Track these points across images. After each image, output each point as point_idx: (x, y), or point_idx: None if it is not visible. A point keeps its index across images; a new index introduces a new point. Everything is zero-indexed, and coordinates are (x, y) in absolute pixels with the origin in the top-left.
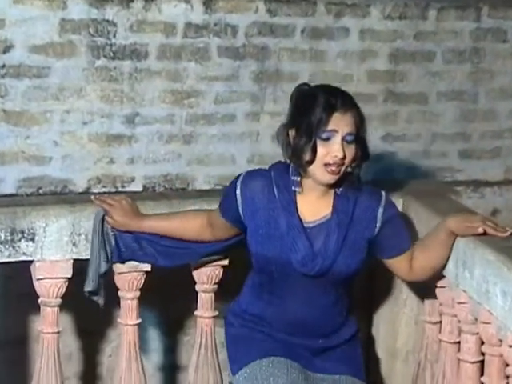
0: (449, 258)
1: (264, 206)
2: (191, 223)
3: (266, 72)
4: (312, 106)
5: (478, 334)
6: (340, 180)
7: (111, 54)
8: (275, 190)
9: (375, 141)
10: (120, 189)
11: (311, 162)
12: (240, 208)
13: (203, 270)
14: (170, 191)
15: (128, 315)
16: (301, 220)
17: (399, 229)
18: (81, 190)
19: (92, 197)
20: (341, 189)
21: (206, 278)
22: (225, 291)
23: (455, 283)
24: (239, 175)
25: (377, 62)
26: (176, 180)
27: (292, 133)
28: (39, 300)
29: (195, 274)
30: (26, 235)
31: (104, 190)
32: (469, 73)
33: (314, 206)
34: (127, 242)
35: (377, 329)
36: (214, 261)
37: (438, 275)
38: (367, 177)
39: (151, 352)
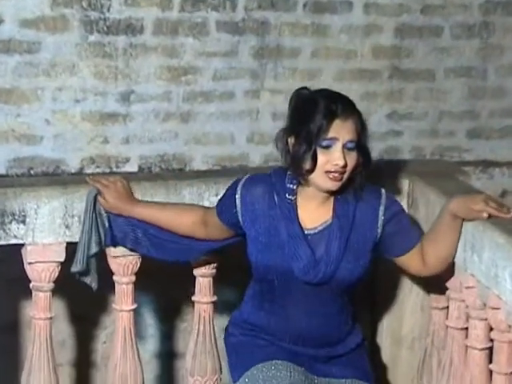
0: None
1: (264, 213)
2: (185, 218)
3: (266, 48)
4: (312, 113)
5: (486, 319)
6: (342, 187)
7: (105, 29)
8: (275, 197)
9: (380, 119)
10: (114, 169)
11: (311, 170)
12: (239, 213)
13: None
14: (166, 172)
15: (123, 300)
16: (301, 227)
17: (404, 225)
18: (73, 171)
19: (86, 178)
20: (341, 190)
21: (204, 262)
22: (223, 276)
23: (463, 267)
24: (240, 178)
25: (382, 37)
26: (173, 160)
27: (291, 140)
28: (31, 285)
29: None
30: (16, 217)
31: (98, 170)
32: (478, 48)
33: (314, 212)
34: (120, 226)
35: (381, 315)
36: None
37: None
38: (372, 157)
39: (147, 339)
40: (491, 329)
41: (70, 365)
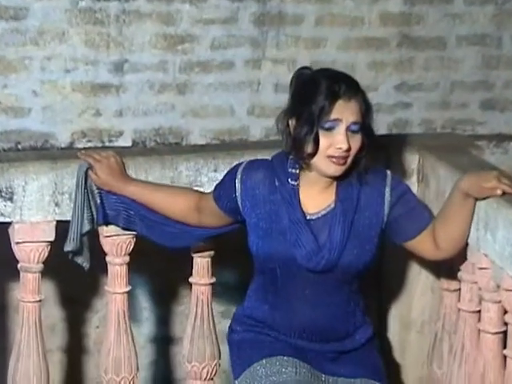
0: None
1: (265, 199)
2: (179, 201)
3: (267, 14)
4: (313, 94)
5: (500, 302)
6: (345, 171)
7: None
8: (276, 181)
9: (388, 90)
10: (107, 144)
11: (313, 154)
12: (239, 198)
13: None
14: (162, 146)
15: (116, 282)
16: (303, 212)
17: (412, 206)
18: (63, 145)
19: (78, 152)
20: (345, 178)
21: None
22: (222, 256)
23: (476, 247)
24: (240, 163)
25: (390, 3)
26: (169, 134)
27: (292, 122)
28: (19, 265)
29: None
30: (3, 194)
31: (89, 145)
32: (492, 15)
33: (316, 197)
34: (112, 203)
35: (388, 298)
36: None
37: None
38: (380, 131)
39: (142, 322)
40: (505, 312)
41: (60, 350)
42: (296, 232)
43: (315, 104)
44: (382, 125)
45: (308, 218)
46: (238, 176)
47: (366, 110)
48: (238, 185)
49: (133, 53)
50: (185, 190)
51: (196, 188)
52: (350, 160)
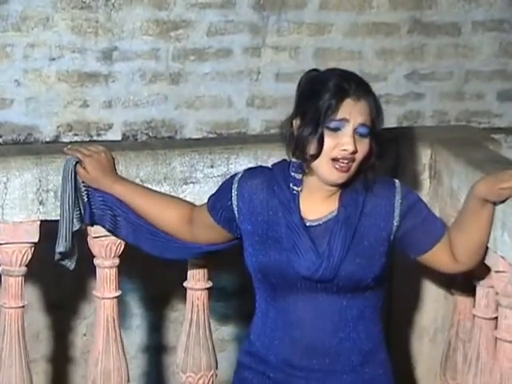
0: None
1: (262, 205)
2: (170, 210)
3: None
4: (320, 92)
5: None
6: (350, 180)
7: None
8: (275, 187)
9: (399, 80)
10: (95, 137)
11: (316, 155)
12: (235, 206)
13: None
14: (154, 140)
15: (105, 287)
16: (302, 218)
17: (425, 215)
18: (48, 139)
19: (64, 148)
20: (350, 185)
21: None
22: (219, 259)
23: (493, 249)
24: (237, 173)
25: None
26: (162, 127)
27: (296, 122)
28: (0, 269)
29: None
30: None
31: (76, 138)
32: None
33: (318, 204)
34: (98, 202)
35: (399, 304)
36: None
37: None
38: (389, 123)
39: (133, 330)
40: None
41: (44, 360)
42: (293, 238)
43: (321, 101)
44: (391, 117)
45: (308, 224)
46: (235, 184)
47: (377, 114)
48: (234, 192)
49: (123, 40)
50: (177, 199)
51: (191, 185)
52: (354, 167)
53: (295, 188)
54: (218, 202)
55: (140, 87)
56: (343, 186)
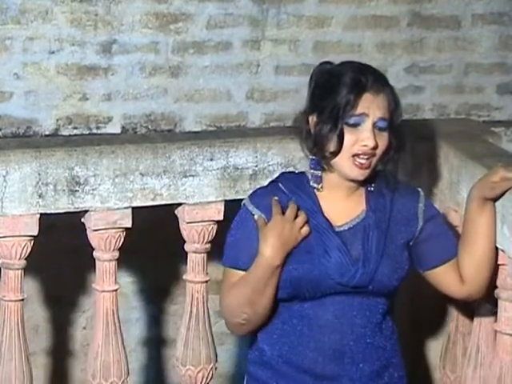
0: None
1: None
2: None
3: None
4: (337, 87)
5: None
6: (371, 177)
7: None
8: (293, 198)
9: (398, 73)
10: (94, 130)
11: (337, 152)
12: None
13: (194, 226)
14: (153, 133)
15: (105, 280)
16: (329, 221)
17: (444, 230)
18: (48, 132)
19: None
20: (373, 185)
21: (197, 235)
22: (219, 251)
23: None
24: (242, 202)
25: None
26: (161, 120)
27: (313, 119)
28: (0, 262)
29: (184, 230)
30: None
31: (75, 132)
32: None
33: (341, 206)
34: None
35: (397, 296)
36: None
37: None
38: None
39: (132, 323)
40: None
41: (44, 353)
42: (323, 240)
43: (339, 97)
44: None
45: (337, 230)
46: (250, 208)
47: (395, 106)
48: (254, 211)
49: (122, 33)
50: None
51: (191, 178)
52: (374, 162)
53: (315, 185)
54: (244, 244)
55: (139, 80)
56: (367, 188)
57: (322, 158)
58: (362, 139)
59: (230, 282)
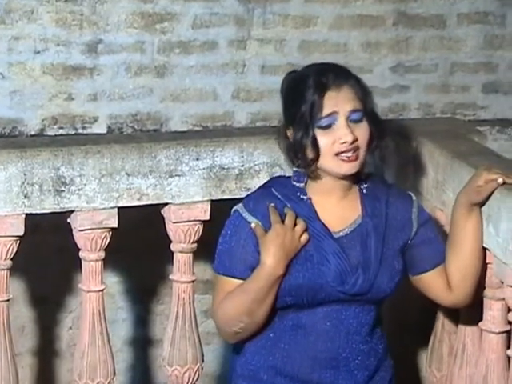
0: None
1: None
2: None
3: None
4: (301, 93)
5: (503, 299)
6: (361, 176)
7: None
8: (288, 204)
9: (384, 72)
10: (80, 130)
11: (316, 158)
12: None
13: (180, 225)
14: (139, 133)
15: (91, 280)
16: (326, 228)
17: (435, 235)
18: (33, 132)
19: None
20: (366, 185)
21: (184, 235)
22: (205, 251)
23: None
24: (234, 209)
25: None
26: (147, 120)
27: (290, 132)
28: None
29: (170, 230)
30: None
31: (61, 131)
32: None
33: (337, 212)
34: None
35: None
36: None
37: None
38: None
39: (119, 324)
40: (509, 310)
41: (30, 353)
42: (323, 249)
43: (304, 103)
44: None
45: (335, 236)
46: (243, 215)
47: (364, 94)
48: (249, 219)
49: (108, 32)
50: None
51: (177, 177)
52: (362, 154)
53: (305, 197)
54: (241, 253)
55: (125, 80)
56: (362, 191)
57: (307, 167)
58: (339, 137)
59: (225, 290)
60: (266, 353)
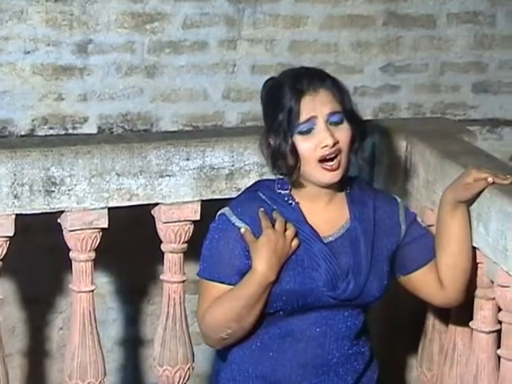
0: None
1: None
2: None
3: None
4: (278, 100)
5: (494, 299)
6: (345, 178)
7: None
8: (275, 207)
9: (374, 72)
10: (70, 131)
11: (295, 165)
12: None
13: (170, 225)
14: (130, 133)
15: (81, 280)
16: (316, 232)
17: (423, 233)
18: (23, 133)
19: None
20: (352, 189)
21: (174, 235)
22: (196, 251)
23: None
24: (220, 213)
25: None
26: (137, 120)
27: (271, 140)
28: None
29: (161, 230)
30: None
31: (51, 132)
32: None
33: (325, 216)
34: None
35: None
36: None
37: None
38: (365, 116)
39: (109, 324)
40: (499, 309)
41: (20, 354)
42: (313, 253)
43: (281, 111)
44: (367, 109)
45: (324, 241)
46: (231, 219)
47: (342, 95)
48: (238, 224)
49: (98, 32)
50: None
51: (167, 178)
52: (344, 159)
53: (291, 202)
54: (228, 258)
55: (115, 80)
56: (348, 194)
57: (289, 176)
58: (319, 141)
59: (212, 295)
60: (254, 362)
